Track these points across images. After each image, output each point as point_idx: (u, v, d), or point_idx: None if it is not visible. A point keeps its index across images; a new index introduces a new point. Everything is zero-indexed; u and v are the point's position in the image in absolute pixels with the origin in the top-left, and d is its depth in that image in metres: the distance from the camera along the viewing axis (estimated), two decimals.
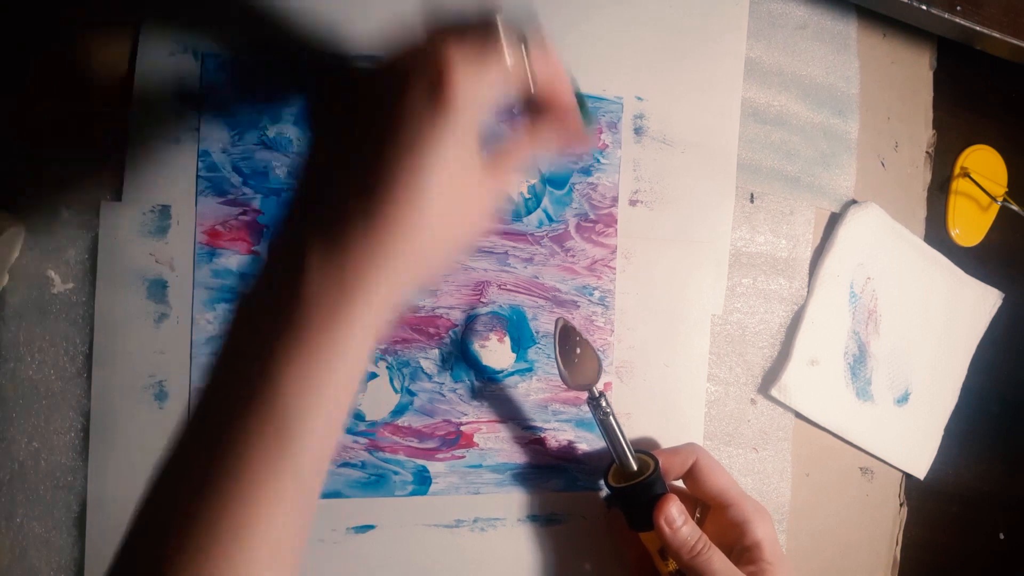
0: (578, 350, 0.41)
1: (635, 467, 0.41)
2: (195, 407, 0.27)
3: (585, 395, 0.41)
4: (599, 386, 0.41)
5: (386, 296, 0.28)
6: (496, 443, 0.44)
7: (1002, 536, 0.60)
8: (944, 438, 0.57)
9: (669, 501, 0.40)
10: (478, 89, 0.28)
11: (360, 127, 0.29)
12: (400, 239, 0.27)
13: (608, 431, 0.40)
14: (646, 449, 0.43)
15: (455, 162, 0.28)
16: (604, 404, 0.40)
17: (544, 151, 0.33)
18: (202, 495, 0.25)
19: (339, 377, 0.27)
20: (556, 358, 0.41)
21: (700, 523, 0.44)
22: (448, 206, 0.28)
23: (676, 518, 0.39)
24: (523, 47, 0.30)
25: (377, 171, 0.27)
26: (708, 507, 0.44)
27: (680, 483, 0.44)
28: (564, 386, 0.43)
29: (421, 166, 0.27)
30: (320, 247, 0.27)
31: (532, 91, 0.31)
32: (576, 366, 0.41)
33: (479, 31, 0.29)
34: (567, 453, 0.45)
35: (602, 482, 0.45)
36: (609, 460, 0.42)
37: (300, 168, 0.31)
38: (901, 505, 0.55)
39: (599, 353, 0.43)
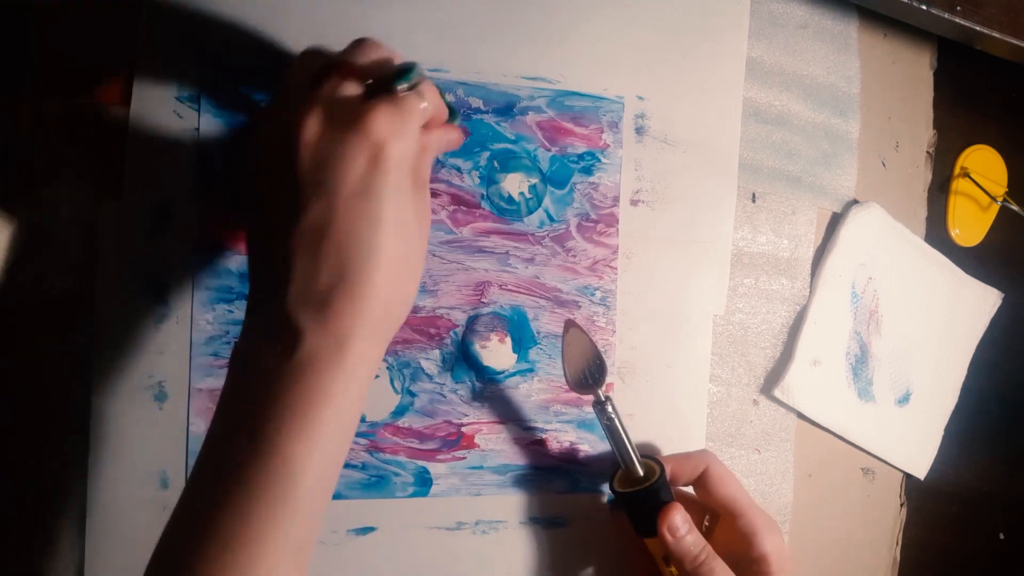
0: (584, 354, 0.41)
1: (641, 473, 0.41)
2: (197, 461, 0.30)
3: (590, 398, 0.41)
4: (604, 390, 0.40)
5: (378, 346, 0.32)
6: (497, 444, 0.44)
7: (1002, 536, 0.60)
8: (944, 438, 0.57)
9: (673, 509, 0.39)
10: (407, 144, 0.31)
11: (309, 197, 0.30)
12: (383, 290, 0.30)
13: (614, 436, 0.40)
14: (654, 453, 0.43)
15: (401, 211, 0.31)
16: (610, 409, 0.40)
17: (436, 154, 0.37)
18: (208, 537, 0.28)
19: (336, 433, 0.30)
20: (562, 361, 0.40)
21: (709, 531, 0.44)
22: (406, 244, 0.31)
23: (680, 527, 0.39)
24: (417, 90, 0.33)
25: (345, 244, 0.29)
26: (718, 515, 0.44)
27: (690, 489, 0.44)
28: (567, 387, 0.42)
29: (380, 231, 0.30)
30: (313, 318, 0.29)
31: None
32: (582, 370, 0.40)
33: (393, 92, 0.32)
34: (569, 454, 0.45)
35: (607, 486, 0.45)
36: (614, 464, 0.42)
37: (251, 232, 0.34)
38: (901, 505, 0.55)
39: (605, 356, 0.42)
